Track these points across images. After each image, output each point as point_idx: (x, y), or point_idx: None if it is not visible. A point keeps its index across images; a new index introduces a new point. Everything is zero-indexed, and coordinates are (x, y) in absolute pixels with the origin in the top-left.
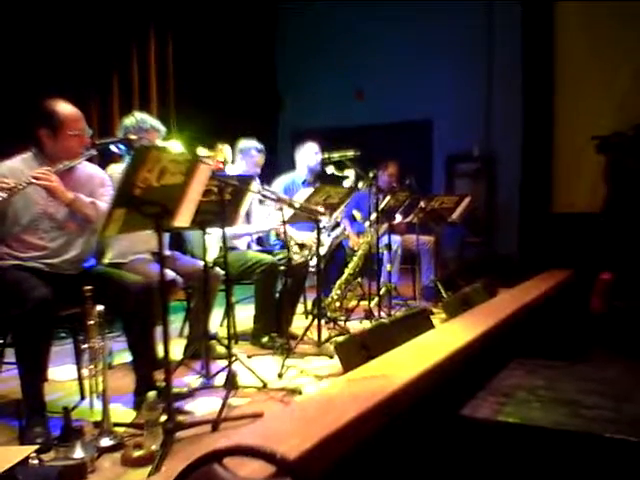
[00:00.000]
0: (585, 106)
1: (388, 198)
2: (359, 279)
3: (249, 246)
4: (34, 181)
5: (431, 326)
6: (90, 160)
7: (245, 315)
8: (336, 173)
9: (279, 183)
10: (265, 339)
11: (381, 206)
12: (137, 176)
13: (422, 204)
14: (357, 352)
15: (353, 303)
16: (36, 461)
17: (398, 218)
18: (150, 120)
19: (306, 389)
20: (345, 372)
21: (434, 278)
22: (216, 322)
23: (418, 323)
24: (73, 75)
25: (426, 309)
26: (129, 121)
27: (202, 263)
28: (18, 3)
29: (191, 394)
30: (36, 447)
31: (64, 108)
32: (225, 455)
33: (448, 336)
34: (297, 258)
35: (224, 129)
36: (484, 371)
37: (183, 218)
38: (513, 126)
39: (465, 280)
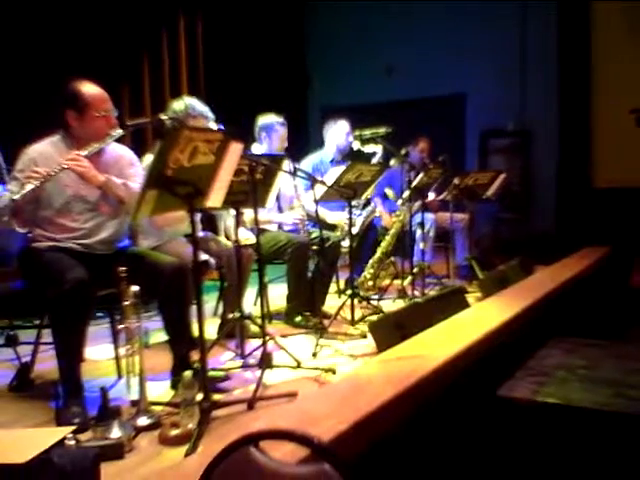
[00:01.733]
0: (624, 78)
1: (421, 175)
2: (392, 258)
3: (280, 226)
4: (66, 167)
5: (466, 305)
6: (120, 141)
7: (278, 294)
8: (362, 149)
9: (307, 162)
10: (298, 318)
11: (414, 183)
12: (169, 156)
13: (456, 181)
14: (391, 332)
15: (386, 282)
16: (73, 442)
17: (431, 196)
18: (199, 106)
19: (340, 369)
20: (379, 352)
21: (468, 256)
22: (249, 302)
23: (453, 302)
24: (105, 58)
25: (461, 288)
26: (178, 105)
27: (234, 244)
28: None
29: (228, 377)
30: (72, 428)
31: (89, 89)
32: (262, 438)
33: (484, 315)
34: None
35: (253, 108)
36: (522, 350)
37: (215, 198)
38: (549, 99)
39: (500, 258)
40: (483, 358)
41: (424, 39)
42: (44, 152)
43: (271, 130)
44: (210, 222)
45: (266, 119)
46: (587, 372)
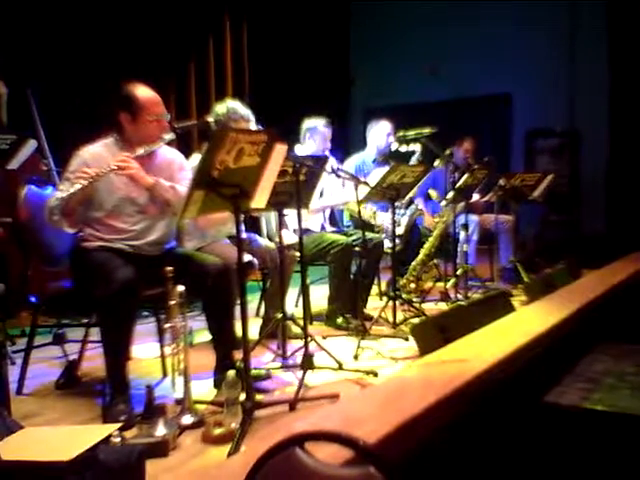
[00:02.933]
0: None
1: (466, 176)
2: (435, 260)
3: (323, 227)
4: (114, 168)
5: (511, 309)
6: (169, 143)
7: (319, 296)
8: (400, 149)
9: (349, 163)
10: (340, 320)
11: (458, 184)
12: (215, 158)
13: (501, 182)
14: (434, 335)
15: (429, 284)
16: (118, 439)
17: (475, 197)
18: (241, 110)
19: (382, 371)
20: (421, 355)
21: (513, 259)
22: (290, 303)
23: (498, 306)
24: (153, 62)
25: (506, 291)
26: (220, 109)
27: (277, 245)
28: None
29: (269, 376)
30: (118, 425)
31: (143, 92)
32: (307, 439)
33: (530, 320)
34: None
35: (297, 109)
36: (569, 356)
37: (259, 200)
38: (599, 99)
39: (546, 261)
40: (529, 363)
41: (469, 37)
42: (96, 154)
43: (315, 131)
44: (253, 223)
45: (311, 121)
46: (637, 379)
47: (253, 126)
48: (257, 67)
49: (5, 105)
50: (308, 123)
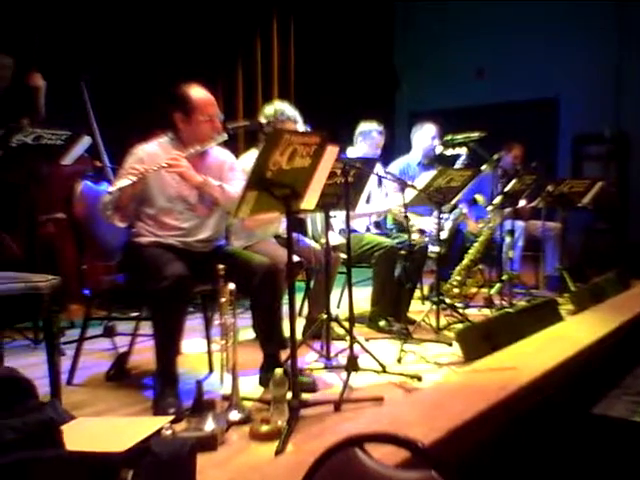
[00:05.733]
0: None
1: (514, 181)
2: (480, 265)
3: (367, 229)
4: (164, 165)
5: (560, 318)
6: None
7: (360, 298)
8: (445, 153)
9: (394, 167)
10: (382, 323)
11: (506, 189)
12: (269, 159)
13: (549, 188)
14: (479, 341)
15: (473, 290)
16: (169, 431)
17: (521, 202)
18: (289, 111)
19: (426, 376)
20: (466, 361)
21: (559, 267)
22: (333, 304)
23: (546, 314)
24: (202, 62)
25: (553, 300)
26: (268, 110)
27: (323, 246)
28: None
29: (314, 389)
30: (170, 418)
31: (197, 93)
32: (366, 441)
33: (580, 330)
34: (416, 242)
35: (342, 111)
36: (618, 368)
37: (309, 201)
38: None
39: (593, 270)
40: (577, 374)
41: (516, 40)
42: (152, 152)
43: (368, 136)
44: (298, 224)
45: (366, 125)
46: None
47: (301, 127)
48: (303, 69)
49: (43, 98)
50: (363, 126)
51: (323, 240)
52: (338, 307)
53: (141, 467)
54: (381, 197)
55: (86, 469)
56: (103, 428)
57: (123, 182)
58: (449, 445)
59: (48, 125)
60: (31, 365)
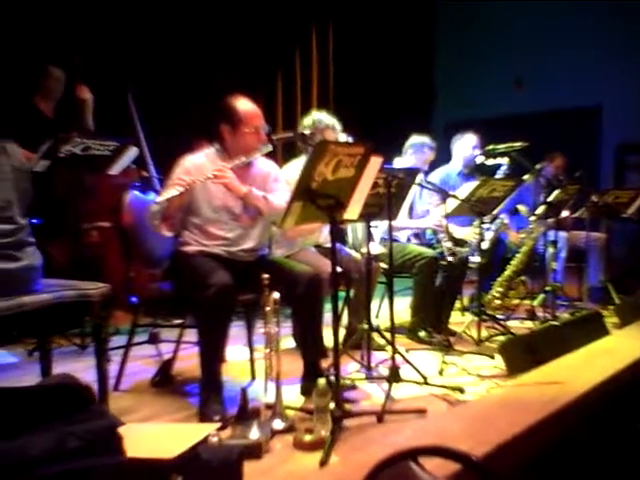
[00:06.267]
0: None
1: (557, 191)
2: (522, 277)
3: (408, 239)
4: (210, 177)
5: (606, 332)
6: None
7: (400, 308)
8: (486, 163)
9: (434, 177)
10: (422, 333)
11: (549, 199)
12: (315, 170)
13: (594, 198)
14: (523, 355)
15: (515, 302)
16: (215, 438)
17: (564, 213)
18: (326, 119)
19: (468, 388)
20: (509, 374)
21: (604, 278)
22: (372, 314)
23: (591, 328)
24: (242, 73)
25: (598, 312)
26: (307, 121)
27: (364, 256)
28: (192, 9)
29: (354, 387)
30: (217, 426)
31: (243, 105)
32: (420, 453)
33: (627, 344)
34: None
35: (379, 121)
36: None
37: (352, 211)
38: None
39: (638, 282)
40: (624, 388)
41: (556, 47)
42: (198, 163)
43: (418, 150)
44: (338, 233)
45: (418, 139)
46: None
47: (340, 135)
48: (341, 79)
49: (91, 110)
50: (415, 139)
51: (363, 249)
52: (377, 317)
53: (190, 473)
54: (422, 209)
55: (140, 475)
56: (151, 434)
57: (171, 192)
58: (496, 460)
59: (96, 136)
60: (78, 371)
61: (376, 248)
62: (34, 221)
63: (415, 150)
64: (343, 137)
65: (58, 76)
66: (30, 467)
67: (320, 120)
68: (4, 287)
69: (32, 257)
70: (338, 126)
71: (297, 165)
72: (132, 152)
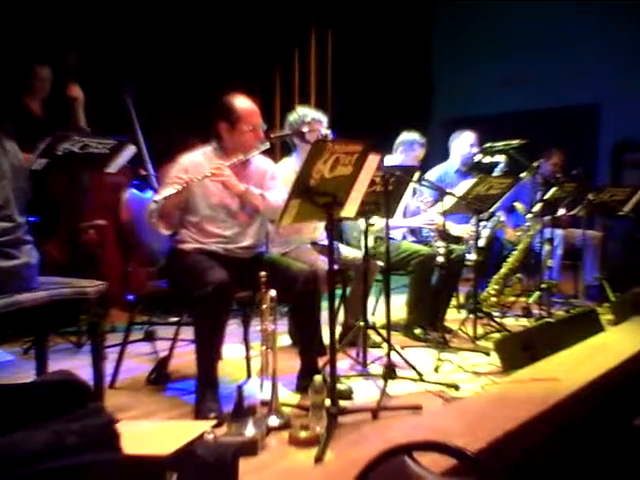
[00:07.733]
0: None
1: (554, 189)
2: (518, 274)
3: (404, 237)
4: (207, 175)
5: (600, 328)
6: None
7: (395, 305)
8: (483, 161)
9: (432, 174)
10: (418, 331)
11: (546, 197)
12: (313, 168)
13: (590, 196)
14: (518, 351)
15: (510, 299)
16: (211, 435)
17: (560, 211)
18: (311, 112)
19: (463, 385)
20: (505, 371)
21: (599, 276)
22: (368, 311)
23: (586, 324)
24: (240, 71)
25: (594, 309)
26: (292, 117)
27: (357, 253)
28: (191, 8)
29: (350, 395)
30: (212, 423)
31: (242, 103)
32: (416, 449)
33: (621, 341)
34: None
35: (377, 119)
36: None
37: (349, 208)
38: None
39: (634, 280)
40: (619, 385)
41: (553, 44)
42: (195, 161)
43: (409, 147)
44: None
45: (408, 136)
46: None
47: (325, 127)
48: (339, 77)
49: (82, 109)
50: (405, 136)
51: (356, 247)
52: (373, 314)
53: (185, 470)
54: (416, 208)
55: (135, 472)
56: (146, 431)
57: (168, 191)
58: (492, 456)
59: (92, 134)
60: (73, 368)
61: (371, 245)
62: (31, 219)
63: (405, 147)
64: (326, 129)
65: (44, 75)
66: (28, 462)
67: (305, 114)
68: (1, 285)
69: (29, 255)
70: (324, 118)
71: (288, 163)
72: (130, 150)
